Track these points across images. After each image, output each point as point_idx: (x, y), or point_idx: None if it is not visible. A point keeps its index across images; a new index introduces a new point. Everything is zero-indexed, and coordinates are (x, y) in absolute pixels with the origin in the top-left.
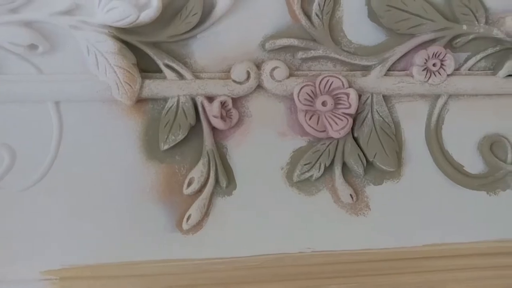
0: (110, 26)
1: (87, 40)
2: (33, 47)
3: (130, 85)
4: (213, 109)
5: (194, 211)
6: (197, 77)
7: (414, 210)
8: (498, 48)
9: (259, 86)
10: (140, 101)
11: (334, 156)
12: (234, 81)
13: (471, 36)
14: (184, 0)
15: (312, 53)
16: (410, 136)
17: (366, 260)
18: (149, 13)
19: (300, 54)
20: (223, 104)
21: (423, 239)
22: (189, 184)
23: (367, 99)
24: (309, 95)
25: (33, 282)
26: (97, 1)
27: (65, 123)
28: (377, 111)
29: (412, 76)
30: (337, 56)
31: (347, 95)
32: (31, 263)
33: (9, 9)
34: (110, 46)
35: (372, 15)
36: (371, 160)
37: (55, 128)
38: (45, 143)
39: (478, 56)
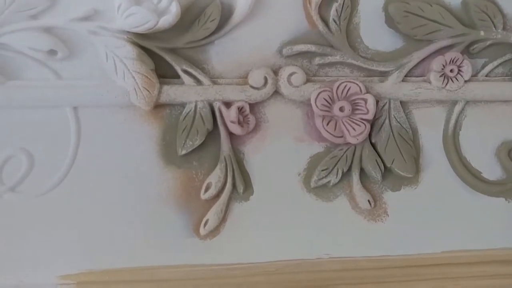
0: (129, 32)
1: (105, 46)
2: (52, 52)
3: (148, 91)
4: (231, 114)
5: (212, 216)
6: (214, 83)
7: (432, 217)
8: None
9: (276, 92)
10: (158, 106)
11: (352, 162)
12: (252, 86)
13: (488, 42)
14: (202, 6)
15: (329, 59)
16: (427, 142)
17: (384, 267)
18: (168, 18)
19: (317, 60)
20: (240, 110)
21: (441, 246)
22: (207, 189)
23: (385, 105)
24: (327, 101)
25: (50, 287)
26: (116, 7)
27: (83, 128)
28: (395, 117)
29: (430, 82)
30: (354, 62)
31: (365, 100)
32: (49, 267)
33: (30, 15)
34: (128, 51)
35: (389, 21)
36: (389, 166)
37: (73, 133)
38: (63, 148)
39: (496, 62)
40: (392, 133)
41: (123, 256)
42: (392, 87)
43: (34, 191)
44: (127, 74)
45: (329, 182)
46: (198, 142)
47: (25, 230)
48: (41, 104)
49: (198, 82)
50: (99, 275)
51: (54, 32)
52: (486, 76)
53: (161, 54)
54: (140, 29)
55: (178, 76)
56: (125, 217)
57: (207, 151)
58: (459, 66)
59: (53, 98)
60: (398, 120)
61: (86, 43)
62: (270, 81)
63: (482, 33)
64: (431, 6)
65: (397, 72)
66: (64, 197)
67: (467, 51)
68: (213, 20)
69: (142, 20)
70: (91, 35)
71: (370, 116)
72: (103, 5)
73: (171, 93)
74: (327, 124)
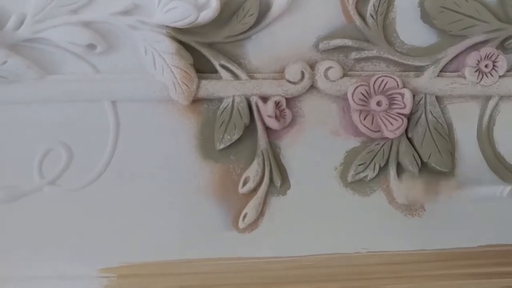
0: (168, 27)
1: (144, 40)
2: (91, 46)
3: (187, 85)
4: (268, 109)
5: (250, 210)
6: (251, 77)
7: (469, 211)
8: None
9: (312, 87)
10: (195, 101)
11: (389, 157)
12: (288, 81)
13: None
14: (241, 1)
15: (366, 54)
16: (462, 137)
17: (422, 261)
18: (208, 13)
19: (354, 55)
20: (277, 104)
21: (477, 240)
22: (245, 183)
23: (421, 99)
24: (364, 95)
25: (91, 279)
26: (157, 1)
27: (121, 122)
28: (431, 112)
29: (464, 77)
30: (390, 57)
31: (402, 95)
32: (90, 260)
33: (70, 10)
34: (168, 46)
35: (425, 16)
36: (425, 160)
37: (111, 127)
38: (102, 142)
39: None
40: (429, 127)
41: (162, 249)
42: (428, 82)
43: (74, 184)
44: (166, 68)
45: (366, 176)
46: (236, 137)
47: (66, 223)
48: (80, 98)
49: (236, 77)
50: (139, 268)
51: (93, 26)
52: None
53: (199, 49)
54: (180, 24)
55: (215, 71)
56: (164, 210)
57: (244, 145)
58: (494, 62)
59: (91, 92)
60: (434, 114)
61: (125, 37)
62: (306, 75)
63: None
64: (467, 1)
65: (432, 67)
66: (103, 191)
67: (502, 46)
68: (251, 14)
69: (182, 14)
70: (130, 29)
71: (407, 111)
72: None
73: (209, 87)
74: (364, 119)
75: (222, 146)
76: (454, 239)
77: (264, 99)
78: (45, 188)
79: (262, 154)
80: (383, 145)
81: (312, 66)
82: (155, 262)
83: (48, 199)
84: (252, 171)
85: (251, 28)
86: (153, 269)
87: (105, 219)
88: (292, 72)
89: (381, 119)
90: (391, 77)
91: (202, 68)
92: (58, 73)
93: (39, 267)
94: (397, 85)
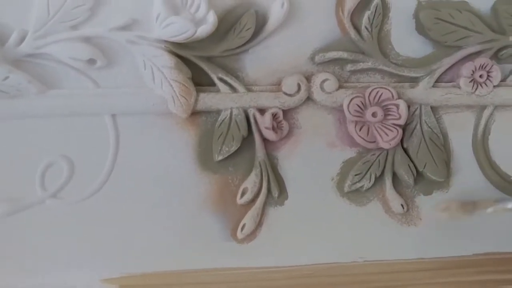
0: (167, 41)
1: (143, 55)
2: (91, 61)
3: (185, 98)
4: (265, 120)
5: (248, 221)
6: (249, 90)
7: (464, 220)
8: None
9: (308, 98)
10: (194, 113)
11: (384, 167)
12: (285, 93)
13: None
14: (238, 15)
15: (361, 65)
16: (457, 146)
17: (420, 269)
18: (206, 28)
19: (349, 67)
20: (274, 116)
21: (473, 248)
22: (243, 194)
23: (416, 110)
24: (359, 106)
25: None
26: (155, 17)
27: (121, 135)
28: (426, 122)
29: (459, 88)
30: (386, 68)
31: (397, 106)
32: (91, 270)
33: (70, 26)
34: (166, 60)
35: (420, 28)
36: (421, 170)
37: (112, 140)
38: (102, 154)
39: None
40: (424, 138)
41: (163, 260)
42: (423, 92)
43: (75, 197)
44: (165, 82)
45: (362, 186)
46: (234, 148)
47: (68, 234)
48: (80, 112)
49: (233, 89)
50: (140, 279)
51: (93, 41)
52: None
53: (198, 62)
54: (178, 39)
55: (214, 84)
56: (164, 222)
57: (242, 157)
58: (488, 72)
59: (92, 106)
60: (429, 125)
61: (124, 52)
62: (303, 87)
63: (511, 38)
64: (461, 12)
65: (427, 78)
66: (105, 203)
67: (496, 57)
68: (248, 29)
69: (180, 29)
70: (129, 44)
71: (402, 122)
72: (141, 15)
73: (207, 100)
74: (360, 130)
75: (220, 158)
76: (450, 247)
77: (262, 111)
78: (48, 201)
79: (260, 165)
80: (378, 155)
81: (308, 78)
82: (156, 272)
83: (51, 212)
84: (250, 182)
85: (248, 42)
86: (154, 279)
87: (106, 230)
88: (289, 84)
89: (376, 130)
90: (386, 89)
91: (200, 81)
92: (59, 87)
93: (42, 277)
94: (392, 96)
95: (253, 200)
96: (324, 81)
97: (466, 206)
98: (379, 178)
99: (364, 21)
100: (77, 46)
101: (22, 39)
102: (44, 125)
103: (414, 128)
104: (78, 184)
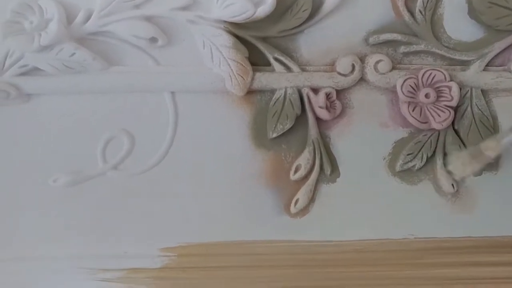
0: (225, 21)
1: (203, 35)
2: (153, 40)
3: (242, 77)
4: (319, 100)
5: (302, 196)
6: (303, 70)
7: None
8: None
9: (361, 79)
10: (249, 92)
11: (436, 147)
12: (339, 73)
13: None
14: None
15: (414, 48)
16: (507, 129)
17: (469, 246)
18: (265, 8)
19: (403, 49)
20: (327, 96)
21: None
22: (296, 171)
23: (467, 93)
24: (412, 88)
25: (153, 258)
26: None
27: (180, 112)
28: (477, 105)
29: (510, 71)
30: (438, 51)
31: (449, 88)
32: (150, 240)
33: (133, 5)
34: (225, 40)
35: (472, 12)
36: None
37: (171, 116)
38: (161, 130)
39: None
40: (474, 120)
41: (219, 231)
42: (474, 75)
43: (135, 169)
44: (223, 61)
45: (414, 166)
46: (288, 126)
47: (127, 205)
48: (141, 88)
49: (288, 69)
50: (197, 248)
51: (154, 20)
52: None
53: (254, 42)
54: (237, 19)
55: (269, 64)
56: (220, 195)
57: (295, 135)
58: None
59: (152, 83)
60: (479, 107)
61: (184, 31)
62: (357, 68)
63: None
64: None
65: (478, 61)
66: (163, 176)
67: None
68: (305, 10)
69: (240, 10)
70: (189, 24)
71: (454, 103)
72: None
73: (263, 79)
74: (413, 110)
75: (274, 135)
76: (498, 226)
77: (315, 90)
78: (108, 173)
79: (313, 143)
80: (430, 136)
81: (362, 59)
82: (212, 242)
83: (111, 183)
84: (304, 159)
85: (304, 22)
86: (211, 249)
87: (164, 202)
88: (343, 65)
89: (429, 111)
90: (439, 71)
91: (256, 61)
92: (121, 64)
93: (103, 247)
94: (445, 78)
95: (306, 177)
96: (378, 62)
97: (475, 154)
98: (430, 158)
99: (419, 4)
100: (139, 24)
101: (88, 18)
102: (106, 100)
103: (465, 110)
104: (138, 157)
